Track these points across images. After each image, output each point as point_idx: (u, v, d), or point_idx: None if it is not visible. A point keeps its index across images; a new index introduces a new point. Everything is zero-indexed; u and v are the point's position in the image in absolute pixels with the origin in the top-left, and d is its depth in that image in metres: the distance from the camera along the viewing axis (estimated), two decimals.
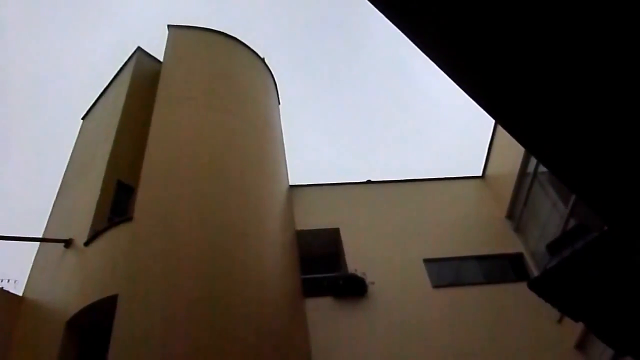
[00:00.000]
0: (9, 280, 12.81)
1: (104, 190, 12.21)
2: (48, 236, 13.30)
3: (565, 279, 3.23)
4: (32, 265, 13.10)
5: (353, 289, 12.16)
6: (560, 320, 11.37)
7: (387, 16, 2.75)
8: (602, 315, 3.10)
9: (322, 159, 40.64)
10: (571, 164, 2.77)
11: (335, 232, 13.84)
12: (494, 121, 14.67)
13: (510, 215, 13.90)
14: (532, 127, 2.78)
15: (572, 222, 10.38)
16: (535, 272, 12.51)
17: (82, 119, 16.89)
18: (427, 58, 2.88)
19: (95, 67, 39.59)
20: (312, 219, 14.07)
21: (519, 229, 13.61)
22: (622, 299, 3.02)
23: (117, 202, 12.49)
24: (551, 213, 12.02)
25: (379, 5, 2.73)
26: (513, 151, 13.24)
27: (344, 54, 44.20)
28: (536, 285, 3.38)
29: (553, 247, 3.40)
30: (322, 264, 13.59)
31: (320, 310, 11.79)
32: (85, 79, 40.42)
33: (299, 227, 13.66)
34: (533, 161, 12.58)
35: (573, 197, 10.95)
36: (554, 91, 2.59)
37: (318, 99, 45.24)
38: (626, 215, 2.80)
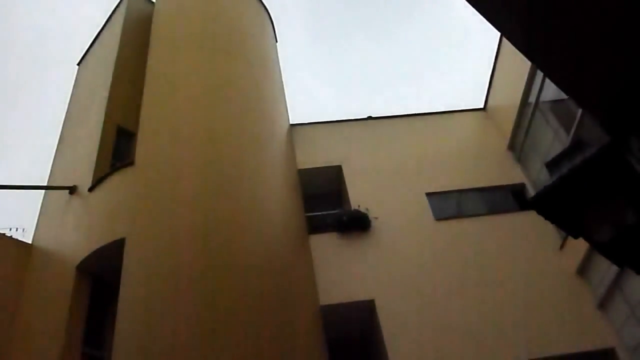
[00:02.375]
0: (17, 229, 13.02)
1: (104, 136, 12.19)
2: (52, 184, 13.37)
3: (565, 195, 3.24)
4: (39, 214, 13.24)
5: (357, 224, 12.28)
6: (561, 247, 11.54)
7: None
8: (603, 228, 3.14)
9: (323, 99, 40.31)
10: (572, 72, 2.73)
11: (338, 169, 13.87)
12: (495, 52, 14.45)
13: (512, 147, 13.87)
14: (532, 35, 2.72)
15: None
16: None
17: (78, 65, 16.68)
18: None
19: (90, 14, 38.80)
20: (314, 157, 14.07)
21: (520, 159, 13.60)
22: (624, 210, 3.04)
23: (118, 148, 12.50)
24: (553, 142, 11.98)
25: None
26: (514, 82, 13.08)
27: None
28: (536, 203, 3.40)
29: (552, 165, 3.40)
30: (325, 202, 13.69)
31: (325, 247, 11.95)
32: (81, 25, 39.68)
33: (301, 166, 13.67)
34: (534, 91, 12.45)
35: (575, 125, 10.89)
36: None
37: (321, 40, 44.47)
38: (630, 123, 2.77)
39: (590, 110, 3.06)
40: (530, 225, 11.76)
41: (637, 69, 2.54)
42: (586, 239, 3.33)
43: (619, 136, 2.84)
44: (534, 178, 13.03)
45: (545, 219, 3.42)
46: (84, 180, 11.60)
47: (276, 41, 16.84)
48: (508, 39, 3.15)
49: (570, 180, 3.11)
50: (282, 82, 15.41)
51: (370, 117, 15.50)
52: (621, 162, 2.86)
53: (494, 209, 13.12)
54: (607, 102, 2.70)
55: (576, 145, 3.20)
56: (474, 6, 2.80)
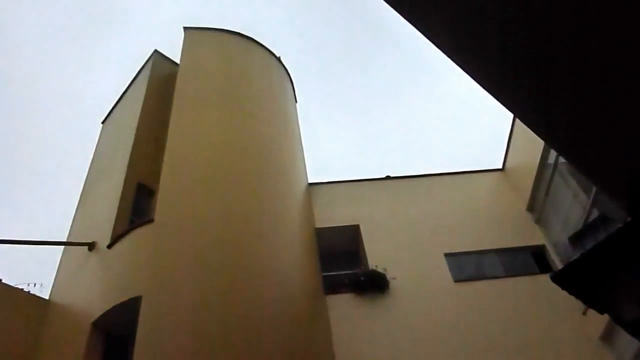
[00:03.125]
0: (35, 284, 13.05)
1: (124, 192, 12.36)
2: (72, 240, 13.49)
3: (589, 271, 3.21)
4: (57, 269, 13.30)
5: (374, 284, 12.16)
6: (585, 312, 11.25)
7: (403, 15, 2.76)
8: (629, 306, 3.08)
9: (340, 155, 40.64)
10: (590, 155, 2.75)
11: (355, 228, 13.84)
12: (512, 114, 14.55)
13: (531, 208, 13.78)
14: (550, 119, 2.77)
15: (594, 213, 10.24)
16: (557, 263, 12.39)
17: (102, 123, 17.10)
18: (443, 53, 2.87)
19: (116, 74, 40.06)
20: (332, 216, 14.08)
21: (540, 221, 13.48)
22: None
23: (138, 204, 12.64)
24: (573, 204, 11.88)
25: (395, 6, 2.74)
26: (533, 143, 13.11)
27: (364, 50, 44.03)
28: (560, 278, 3.36)
29: (576, 239, 3.38)
30: (342, 261, 13.60)
31: (342, 307, 11.81)
32: (106, 87, 40.91)
33: (319, 225, 13.68)
34: (553, 152, 12.45)
35: (594, 187, 10.82)
36: (569, 82, 2.58)
37: (335, 96, 45.25)
38: None
39: (610, 193, 3.06)
40: (552, 289, 11.42)
41: None
42: (611, 316, 3.27)
43: (636, 220, 2.84)
44: (554, 240, 12.86)
45: (569, 294, 3.38)
46: (103, 236, 11.69)
47: (296, 101, 17.17)
48: (522, 120, 3.20)
49: (594, 257, 3.08)
50: (301, 141, 15.63)
51: (388, 177, 15.57)
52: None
53: (514, 271, 12.93)
54: (628, 185, 2.71)
55: (599, 220, 3.19)
56: (487, 90, 2.87)
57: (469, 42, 2.80)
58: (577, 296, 3.32)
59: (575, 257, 3.20)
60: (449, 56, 2.89)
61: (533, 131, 3.00)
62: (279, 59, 16.69)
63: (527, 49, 2.60)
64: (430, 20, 2.82)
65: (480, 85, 2.90)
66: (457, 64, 2.89)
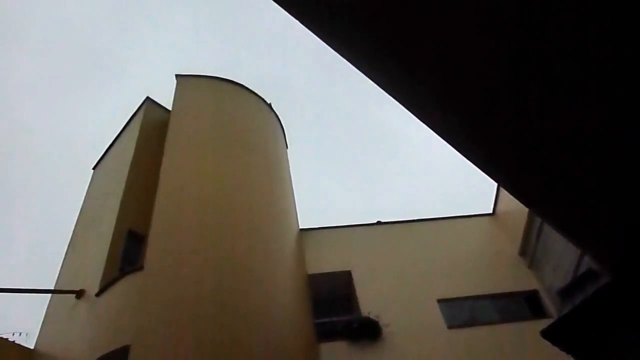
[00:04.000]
0: (20, 334, 12.78)
1: (114, 239, 12.23)
2: (59, 287, 13.28)
3: (578, 327, 3.18)
4: (44, 318, 13.06)
5: (367, 332, 12.00)
6: None
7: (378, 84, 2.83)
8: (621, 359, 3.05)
9: (329, 201, 40.68)
10: (573, 222, 2.78)
11: (347, 274, 13.74)
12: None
13: (523, 252, 13.76)
14: (532, 188, 2.80)
15: (586, 258, 10.23)
16: (551, 308, 12.30)
17: (93, 168, 17.07)
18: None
19: (109, 122, 40.31)
20: (324, 262, 14.00)
21: (532, 265, 13.44)
22: (636, 343, 2.97)
23: (128, 251, 12.49)
24: (565, 248, 11.86)
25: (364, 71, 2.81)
26: None
27: (351, 100, 44.67)
28: (550, 334, 3.33)
29: (565, 293, 3.36)
30: (335, 307, 13.45)
31: (335, 356, 11.61)
32: (98, 135, 41.09)
33: (311, 271, 13.58)
34: None
35: None
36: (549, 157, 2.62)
37: (324, 143, 45.62)
38: (629, 267, 2.79)
39: (593, 256, 3.08)
40: None
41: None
42: None
43: (627, 280, 2.85)
44: (547, 285, 12.80)
45: (561, 350, 3.34)
46: (92, 284, 11.52)
47: (287, 147, 17.27)
48: (504, 187, 3.25)
49: (586, 311, 3.07)
50: (292, 186, 15.64)
51: (379, 222, 15.57)
52: (633, 299, 2.84)
53: (508, 317, 12.82)
54: (609, 249, 2.73)
55: (589, 273, 3.18)
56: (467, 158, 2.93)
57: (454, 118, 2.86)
58: (569, 352, 3.29)
59: (563, 314, 3.18)
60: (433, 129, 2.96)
61: (513, 195, 3.05)
62: (269, 105, 16.85)
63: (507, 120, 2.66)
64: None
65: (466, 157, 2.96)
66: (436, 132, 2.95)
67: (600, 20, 2.30)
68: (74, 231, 15.05)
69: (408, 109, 2.89)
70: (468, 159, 2.93)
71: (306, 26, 2.89)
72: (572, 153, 2.50)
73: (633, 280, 2.70)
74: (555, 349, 11.05)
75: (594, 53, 2.39)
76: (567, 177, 2.60)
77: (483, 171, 2.93)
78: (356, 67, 2.91)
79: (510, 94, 2.55)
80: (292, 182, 15.96)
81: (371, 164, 45.24)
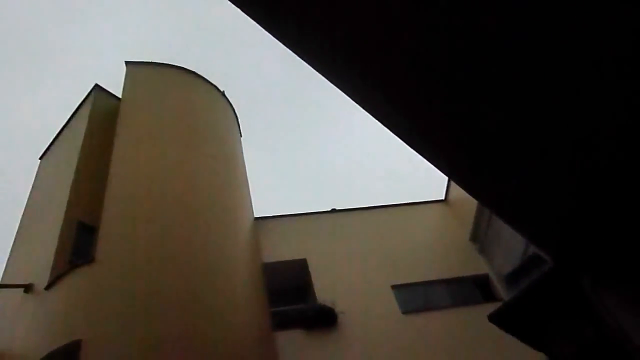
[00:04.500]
0: None
1: (64, 231, 11.90)
2: (6, 282, 12.87)
3: (523, 311, 3.29)
4: None
5: (323, 320, 12.09)
6: None
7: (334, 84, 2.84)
8: (562, 345, 3.17)
9: (284, 189, 40.69)
10: (515, 207, 2.86)
11: (303, 262, 13.78)
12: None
13: (474, 238, 14.07)
14: (474, 179, 2.87)
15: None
16: (501, 292, 12.65)
17: (40, 159, 16.55)
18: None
19: (57, 111, 39.08)
20: (279, 251, 14.00)
21: (483, 250, 13.76)
22: (583, 328, 3.09)
23: (79, 243, 12.16)
24: (513, 234, 12.11)
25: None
26: None
27: (304, 87, 44.55)
28: (497, 319, 3.43)
29: (512, 278, 3.47)
30: (291, 296, 13.48)
31: (291, 344, 11.66)
32: (46, 125, 39.81)
33: (266, 260, 13.57)
34: None
35: None
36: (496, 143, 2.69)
37: (277, 132, 45.49)
38: (569, 254, 2.90)
39: (535, 242, 3.19)
40: None
41: (583, 209, 2.68)
42: (547, 355, 3.36)
43: (566, 267, 2.96)
44: (497, 270, 13.13)
45: (507, 332, 3.45)
46: (41, 278, 11.21)
47: (241, 135, 17.13)
48: (449, 177, 3.33)
49: (526, 299, 3.17)
50: (246, 175, 15.54)
51: (334, 210, 15.64)
52: (572, 285, 2.95)
53: (460, 301, 13.13)
54: (554, 239, 2.83)
55: (532, 260, 3.29)
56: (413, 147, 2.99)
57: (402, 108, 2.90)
58: (515, 335, 3.40)
59: (508, 299, 3.28)
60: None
61: (463, 188, 3.13)
62: (223, 93, 16.66)
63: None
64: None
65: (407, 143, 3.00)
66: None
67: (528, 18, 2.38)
68: (20, 224, 14.58)
69: (353, 99, 2.92)
70: (414, 150, 2.98)
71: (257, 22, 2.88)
72: (509, 146, 2.58)
73: (571, 267, 2.81)
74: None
75: (520, 54, 2.48)
76: (505, 169, 2.68)
77: (431, 163, 2.99)
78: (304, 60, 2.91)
79: (448, 90, 2.60)
80: (247, 170, 15.86)
81: (323, 152, 45.39)
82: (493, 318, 3.43)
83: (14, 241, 14.16)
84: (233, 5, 2.85)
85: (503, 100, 2.58)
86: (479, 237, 13.88)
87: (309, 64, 2.86)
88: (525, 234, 3.18)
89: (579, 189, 2.74)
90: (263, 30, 2.88)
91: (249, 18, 2.78)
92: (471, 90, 2.56)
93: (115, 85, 15.61)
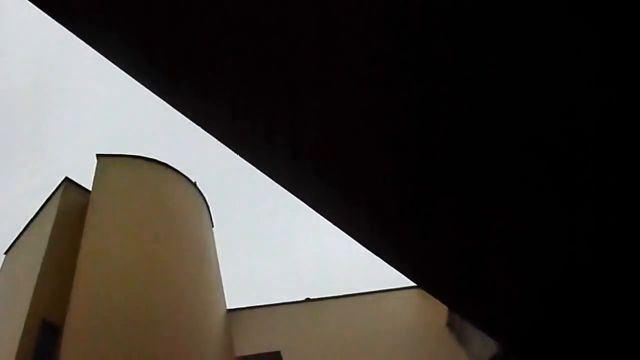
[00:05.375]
0: None
1: (26, 331, 11.39)
2: None
3: None
4: None
5: None
6: None
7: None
8: None
9: (257, 277, 40.10)
10: (478, 316, 2.86)
11: (277, 355, 13.37)
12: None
13: (450, 324, 13.91)
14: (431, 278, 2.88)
15: None
16: None
17: (5, 254, 16.11)
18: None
19: (24, 205, 38.46)
20: (252, 343, 13.61)
21: (460, 336, 13.58)
22: None
23: (42, 343, 11.63)
24: None
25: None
26: None
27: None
28: None
29: None
30: None
31: None
32: (12, 219, 39.02)
33: (239, 353, 13.16)
34: None
35: None
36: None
37: (248, 220, 45.39)
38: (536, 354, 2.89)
39: (501, 343, 3.19)
40: None
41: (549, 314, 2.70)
42: None
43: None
44: (477, 355, 12.91)
45: None
46: None
47: (212, 226, 17.03)
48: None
49: None
50: (218, 267, 15.33)
51: (308, 299, 15.42)
52: None
53: None
54: (519, 338, 2.84)
55: (508, 351, 3.24)
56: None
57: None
58: None
59: None
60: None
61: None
62: (194, 183, 16.70)
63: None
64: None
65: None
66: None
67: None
68: None
69: (313, 208, 2.97)
70: (375, 254, 3.00)
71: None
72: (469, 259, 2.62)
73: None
74: None
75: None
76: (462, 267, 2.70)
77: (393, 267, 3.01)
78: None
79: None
80: (219, 261, 15.66)
81: (295, 241, 45.18)
82: None
83: None
84: None
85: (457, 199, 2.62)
86: (454, 322, 13.73)
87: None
88: (491, 335, 3.17)
89: (545, 293, 2.77)
90: None
91: None
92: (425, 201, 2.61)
93: (86, 180, 15.51)
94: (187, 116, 2.91)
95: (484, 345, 12.16)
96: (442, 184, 2.70)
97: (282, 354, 13.34)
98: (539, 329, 2.99)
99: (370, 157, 2.75)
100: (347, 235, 3.10)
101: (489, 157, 2.62)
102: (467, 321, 3.10)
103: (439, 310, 14.32)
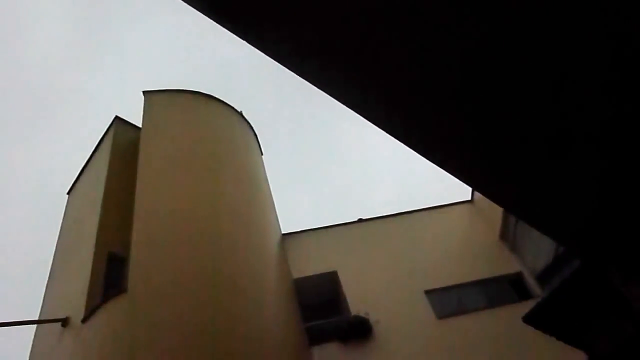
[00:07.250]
0: None
1: (95, 264, 12.04)
2: (44, 317, 13.07)
3: (558, 310, 3.23)
4: (31, 349, 12.84)
5: (358, 331, 12.02)
6: None
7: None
8: (601, 342, 3.10)
9: (307, 205, 40.68)
10: (542, 215, 2.83)
11: (333, 275, 13.74)
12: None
13: (503, 236, 13.89)
14: (498, 186, 2.84)
15: None
16: (536, 289, 12.44)
17: (67, 194, 16.83)
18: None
19: (82, 146, 39.74)
20: (309, 266, 13.99)
21: (514, 248, 13.58)
22: (622, 323, 3.02)
23: (111, 275, 12.30)
24: None
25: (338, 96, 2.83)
26: None
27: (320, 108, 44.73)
28: (531, 319, 3.37)
29: (543, 277, 3.41)
30: (324, 310, 13.45)
31: (328, 358, 11.61)
32: (71, 158, 40.47)
33: (296, 276, 13.56)
34: None
35: None
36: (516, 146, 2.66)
37: (297, 150, 45.62)
38: (596, 251, 2.85)
39: (560, 241, 3.15)
40: None
41: (606, 207, 2.64)
42: (585, 352, 3.29)
43: (595, 263, 2.91)
44: (530, 265, 12.94)
45: (544, 332, 3.39)
46: (77, 310, 11.34)
47: (262, 154, 17.21)
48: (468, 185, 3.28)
49: (560, 296, 3.12)
50: (270, 193, 15.59)
51: (360, 220, 15.59)
52: (603, 282, 2.90)
53: (494, 302, 12.94)
54: (579, 238, 2.78)
55: (564, 256, 3.23)
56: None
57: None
58: (552, 335, 3.34)
59: (540, 300, 3.22)
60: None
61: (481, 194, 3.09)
62: (241, 113, 16.78)
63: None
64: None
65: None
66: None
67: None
68: (54, 259, 14.82)
69: (353, 110, 2.92)
70: (429, 160, 2.97)
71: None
72: (524, 147, 2.55)
73: (600, 263, 2.76)
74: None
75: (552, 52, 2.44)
76: (522, 171, 2.65)
77: (445, 170, 2.97)
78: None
79: (456, 89, 2.59)
80: (270, 188, 15.92)
81: (342, 166, 45.31)
82: (528, 319, 3.37)
83: (49, 276, 14.39)
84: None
85: (516, 98, 2.55)
86: (508, 235, 13.71)
87: (309, 81, 2.88)
88: (549, 234, 3.13)
89: (600, 188, 2.70)
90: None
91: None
92: (481, 88, 2.53)
93: (136, 116, 15.82)
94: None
95: (538, 255, 12.14)
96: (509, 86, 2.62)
97: (338, 273, 13.69)
98: (595, 225, 2.92)
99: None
100: (406, 146, 3.05)
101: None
102: (524, 220, 3.06)
103: (492, 224, 14.31)
